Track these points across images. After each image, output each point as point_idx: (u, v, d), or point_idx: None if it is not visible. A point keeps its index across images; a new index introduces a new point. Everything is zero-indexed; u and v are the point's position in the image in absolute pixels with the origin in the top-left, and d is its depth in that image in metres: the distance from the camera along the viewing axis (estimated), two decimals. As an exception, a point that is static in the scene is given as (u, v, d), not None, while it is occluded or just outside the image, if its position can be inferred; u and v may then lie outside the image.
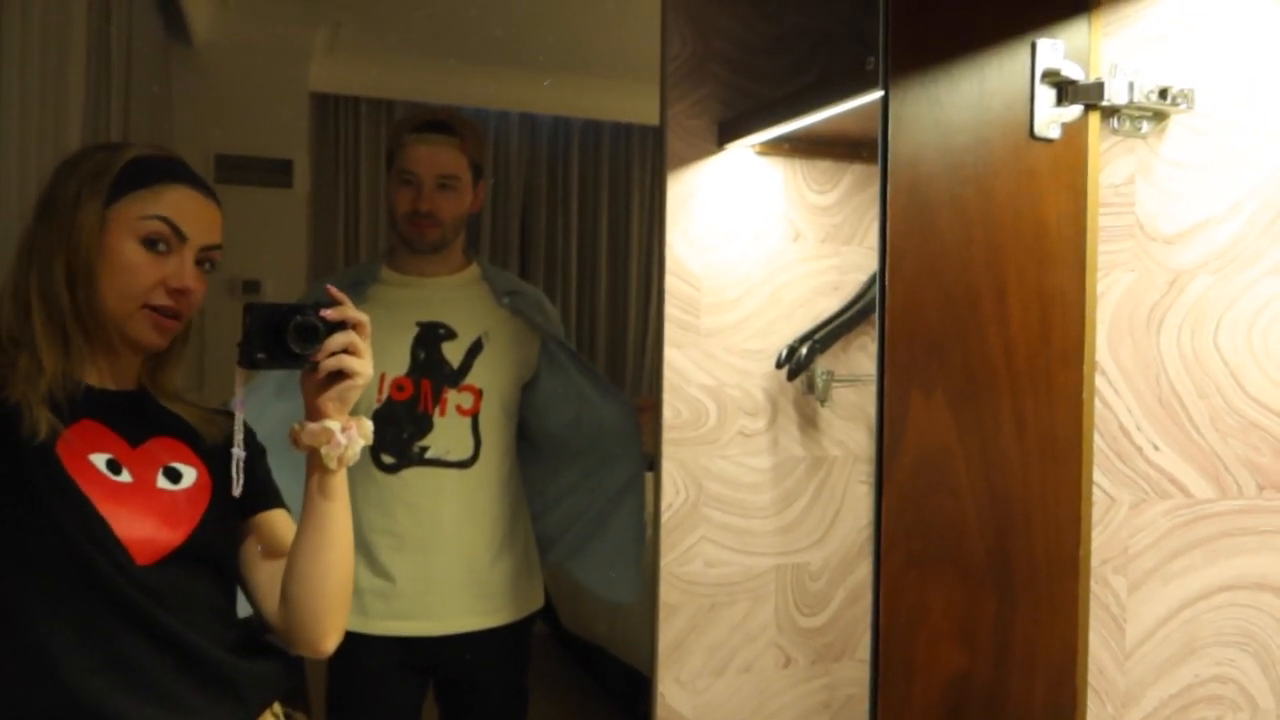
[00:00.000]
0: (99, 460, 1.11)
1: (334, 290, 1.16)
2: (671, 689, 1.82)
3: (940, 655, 0.87)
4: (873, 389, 1.90)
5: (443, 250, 1.96)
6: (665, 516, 1.80)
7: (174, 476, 1.16)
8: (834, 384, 1.85)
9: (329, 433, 1.12)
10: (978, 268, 0.87)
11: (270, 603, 1.20)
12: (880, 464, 0.84)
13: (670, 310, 1.79)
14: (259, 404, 1.85)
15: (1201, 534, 0.91)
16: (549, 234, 5.70)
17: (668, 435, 1.80)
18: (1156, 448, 0.90)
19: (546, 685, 4.13)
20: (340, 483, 1.17)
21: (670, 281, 1.79)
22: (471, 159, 1.95)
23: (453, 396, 1.94)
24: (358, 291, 1.94)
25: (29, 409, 1.05)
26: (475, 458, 1.94)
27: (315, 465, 1.15)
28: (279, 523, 1.24)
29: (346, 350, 1.12)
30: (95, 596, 1.05)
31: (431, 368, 1.93)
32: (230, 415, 1.24)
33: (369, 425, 1.18)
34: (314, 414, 1.14)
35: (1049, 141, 0.87)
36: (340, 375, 1.12)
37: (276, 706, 1.24)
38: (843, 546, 1.93)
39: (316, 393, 1.13)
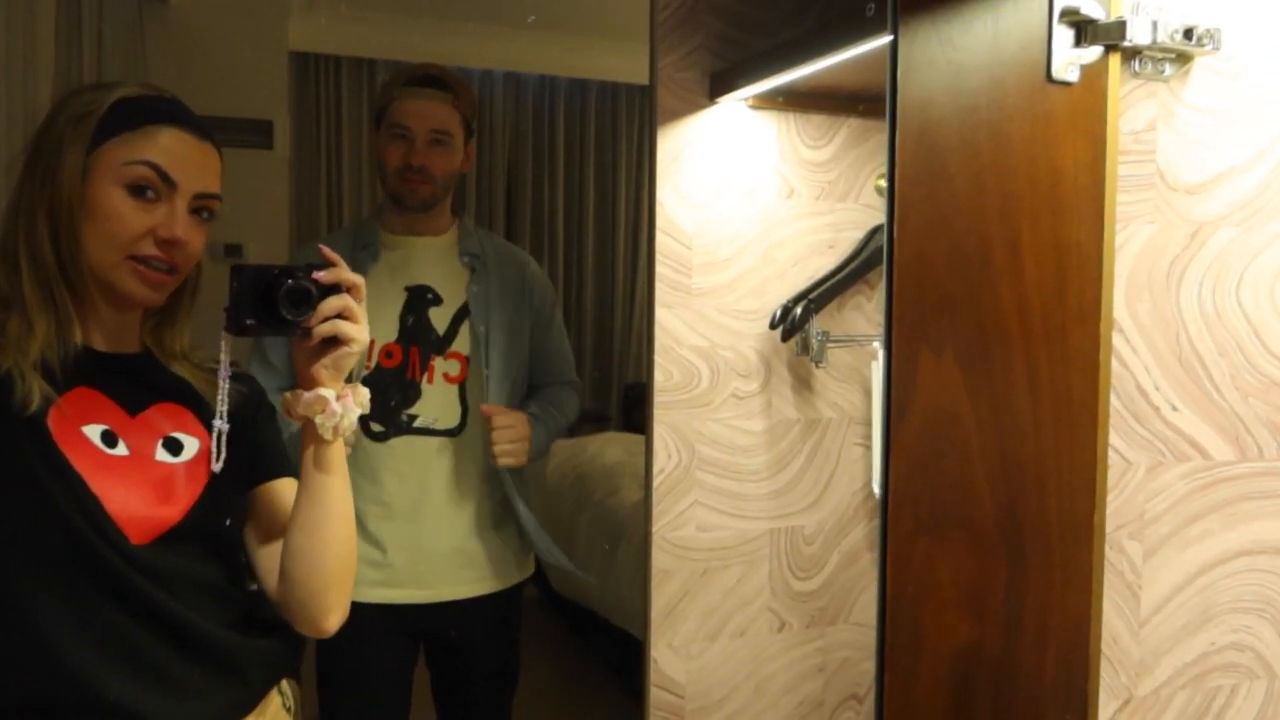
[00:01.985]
0: (93, 432, 1.04)
1: (327, 251, 1.08)
2: (665, 654, 1.79)
3: (949, 624, 0.83)
4: (868, 350, 1.87)
5: (433, 208, 1.91)
6: (657, 481, 1.76)
7: (174, 448, 1.10)
8: (829, 345, 1.80)
9: (324, 402, 1.05)
10: (990, 219, 0.82)
11: (272, 578, 1.15)
12: (887, 427, 0.80)
13: (661, 269, 1.74)
14: (282, 357, 1.81)
15: (1220, 497, 0.87)
16: (535, 195, 5.62)
17: (659, 398, 1.76)
18: (1175, 408, 0.87)
19: (539, 649, 4.14)
20: (337, 454, 1.10)
21: (661, 240, 1.74)
22: (464, 115, 1.90)
23: (439, 364, 1.90)
24: (368, 254, 1.89)
25: (20, 377, 0.99)
26: (463, 426, 1.90)
27: (310, 436, 1.08)
28: (285, 493, 1.17)
29: (341, 315, 1.04)
30: (89, 576, 1.00)
31: (419, 334, 1.89)
32: (244, 378, 1.18)
33: (365, 393, 1.11)
34: (307, 382, 1.07)
35: (1066, 85, 0.82)
36: (335, 342, 1.05)
37: (284, 684, 1.20)
38: (837, 510, 1.90)
39: (309, 360, 1.06)
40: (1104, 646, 0.86)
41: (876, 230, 1.85)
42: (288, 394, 1.09)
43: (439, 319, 1.91)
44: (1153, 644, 0.87)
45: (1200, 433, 0.87)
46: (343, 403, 1.07)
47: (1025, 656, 0.85)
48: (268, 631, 1.16)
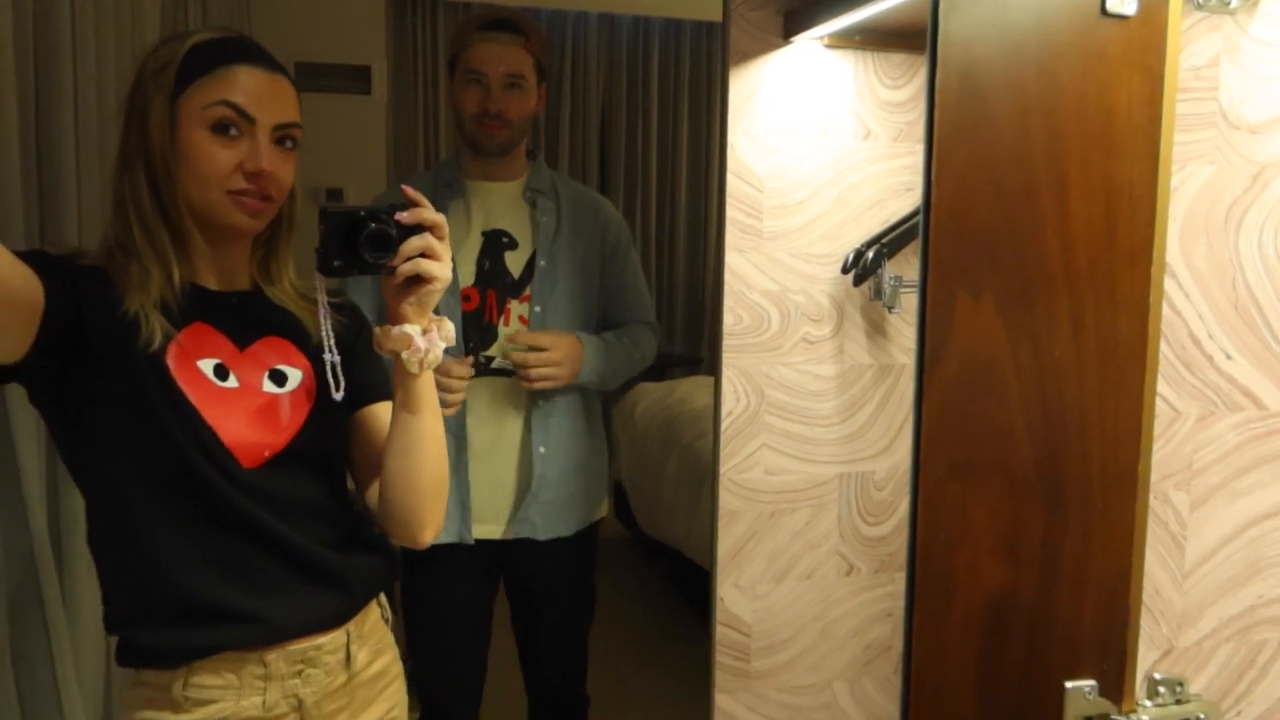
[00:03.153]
0: (207, 366, 1.13)
1: (410, 191, 1.13)
2: (731, 594, 1.82)
3: (982, 570, 0.83)
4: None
5: (509, 152, 1.94)
6: (725, 424, 1.78)
7: (279, 379, 1.18)
8: (902, 290, 1.78)
9: (408, 338, 1.11)
10: (1036, 160, 0.80)
11: (374, 497, 1.23)
12: (921, 370, 0.80)
13: (732, 213, 1.74)
14: (364, 297, 1.87)
15: (1274, 448, 0.85)
16: (629, 138, 5.60)
17: (728, 342, 1.77)
18: (1229, 356, 0.84)
19: (624, 587, 4.23)
20: (425, 385, 1.17)
21: (732, 183, 1.73)
22: (536, 58, 1.91)
23: (515, 307, 1.94)
24: (452, 192, 1.94)
25: (144, 318, 1.07)
26: (538, 367, 1.94)
27: (399, 370, 1.15)
28: (384, 417, 1.24)
29: (423, 254, 1.09)
30: (204, 501, 1.09)
31: (495, 278, 1.93)
32: (344, 308, 1.26)
33: (450, 327, 1.17)
34: (394, 318, 1.13)
35: (1123, 19, 0.79)
36: (418, 280, 1.10)
37: (382, 597, 1.30)
38: (909, 455, 1.88)
39: (396, 297, 1.11)
40: (1145, 597, 0.85)
41: (956, 172, 1.80)
42: (378, 329, 1.15)
43: (514, 263, 1.94)
44: (1197, 596, 0.85)
45: (1255, 382, 0.84)
46: (428, 338, 1.12)
47: (1062, 604, 0.85)
48: (369, 548, 1.25)
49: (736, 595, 1.83)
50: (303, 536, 1.15)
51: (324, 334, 1.17)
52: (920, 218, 0.78)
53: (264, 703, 1.13)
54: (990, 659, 0.85)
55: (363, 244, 1.07)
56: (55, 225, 1.74)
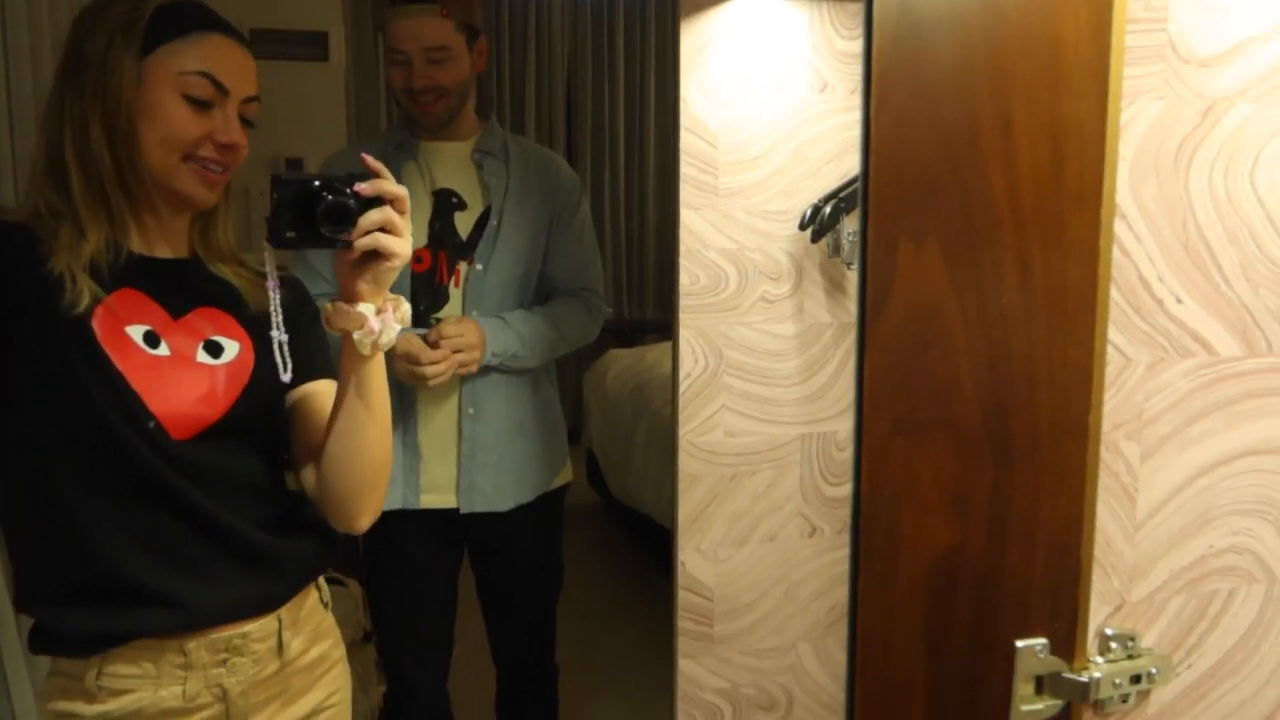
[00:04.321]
0: (135, 332, 1.07)
1: (370, 160, 1.05)
2: (693, 558, 1.80)
3: (929, 528, 0.81)
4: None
5: (453, 120, 1.88)
6: (684, 386, 1.75)
7: (215, 350, 1.12)
8: (861, 245, 1.74)
9: (361, 318, 1.04)
10: (979, 97, 0.76)
11: (310, 477, 1.17)
12: (862, 322, 0.76)
13: (686, 170, 1.69)
14: (327, 263, 1.81)
15: (1225, 395, 0.82)
16: (595, 98, 5.52)
17: (685, 302, 1.73)
18: (1179, 300, 0.81)
19: (598, 553, 4.22)
20: (375, 368, 1.10)
21: (685, 139, 1.69)
22: (458, 22, 1.84)
23: (464, 269, 1.90)
24: (404, 154, 1.88)
25: (70, 280, 1.02)
26: (488, 330, 1.89)
27: (348, 350, 1.08)
28: (326, 395, 1.19)
29: (382, 229, 1.02)
30: (126, 471, 1.04)
31: (446, 239, 1.88)
32: (284, 282, 1.19)
33: (406, 308, 1.10)
34: (348, 295, 1.05)
35: (1069, -53, 0.75)
36: (375, 256, 1.03)
37: (321, 580, 1.24)
38: (872, 415, 1.86)
39: (350, 273, 1.04)
40: (1096, 551, 0.82)
41: (915, 125, 1.76)
42: (328, 305, 1.07)
43: (464, 224, 1.89)
44: (1148, 548, 0.83)
45: (1206, 326, 0.81)
46: (382, 318, 1.05)
47: (1012, 561, 0.82)
48: (305, 530, 1.19)
49: (698, 559, 1.81)
50: (233, 515, 1.10)
51: (272, 310, 1.11)
52: (859, 160, 0.74)
53: (184, 693, 1.07)
54: (939, 620, 0.83)
55: (319, 217, 1.00)
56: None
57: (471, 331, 1.82)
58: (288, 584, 1.16)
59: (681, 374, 1.74)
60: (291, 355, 1.14)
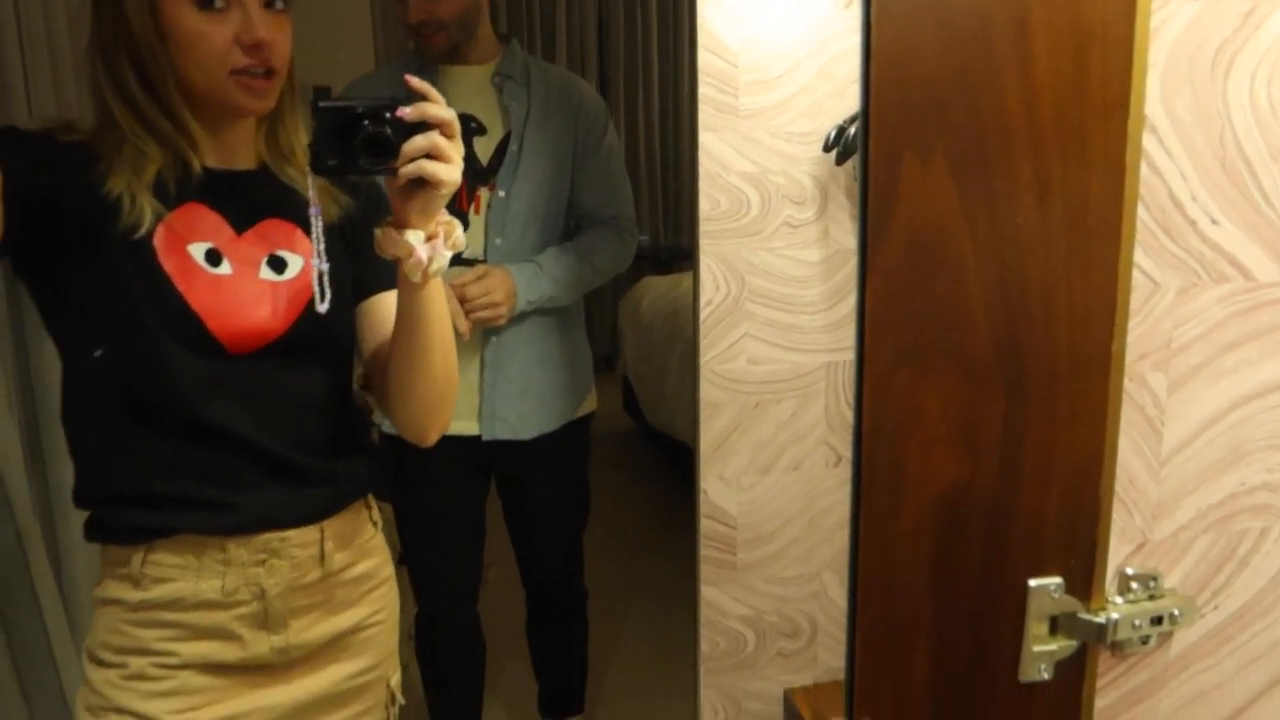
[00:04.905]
0: (197, 251, 1.05)
1: (415, 81, 0.98)
2: (715, 486, 1.77)
3: (935, 464, 0.76)
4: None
5: (463, 46, 1.82)
6: (705, 313, 1.70)
7: (278, 265, 1.10)
8: (889, 166, 1.66)
9: (409, 246, 1.01)
10: (994, -1, 0.70)
11: (379, 389, 1.18)
12: (864, 245, 0.71)
13: (705, 90, 1.62)
14: None
15: (1262, 323, 0.76)
16: (628, 34, 5.36)
17: (705, 228, 1.67)
18: (1214, 221, 0.75)
19: (632, 478, 4.24)
20: (430, 295, 1.07)
21: (704, 58, 1.61)
22: None
23: (484, 195, 1.85)
24: (423, 78, 1.83)
25: (129, 199, 1.00)
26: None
27: (402, 276, 1.05)
28: (393, 306, 1.15)
29: (429, 155, 0.97)
30: (180, 391, 1.04)
31: (465, 164, 1.84)
32: (358, 188, 1.18)
33: (459, 232, 1.06)
34: (398, 220, 1.02)
35: None
36: (422, 183, 0.98)
37: (371, 499, 1.25)
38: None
39: (399, 198, 1.00)
40: (1118, 488, 0.78)
41: (948, 36, 1.67)
42: (378, 231, 1.04)
43: (483, 149, 1.85)
44: (1174, 484, 0.78)
45: (1243, 250, 0.75)
46: (431, 245, 1.02)
47: (1025, 498, 0.78)
48: (353, 450, 1.19)
49: (721, 488, 1.79)
50: (283, 436, 1.10)
51: (314, 238, 1.09)
52: (860, 66, 0.68)
53: (223, 587, 1.09)
54: (946, 559, 0.79)
55: (357, 148, 0.96)
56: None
57: (498, 287, 1.80)
58: (332, 500, 1.16)
59: (703, 301, 1.70)
60: (359, 264, 1.14)
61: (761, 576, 1.83)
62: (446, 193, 0.99)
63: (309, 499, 1.13)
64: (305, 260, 1.12)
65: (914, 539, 0.78)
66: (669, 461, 4.22)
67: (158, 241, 1.03)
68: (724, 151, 1.66)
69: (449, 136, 0.98)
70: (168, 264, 1.03)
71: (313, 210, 1.09)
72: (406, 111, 0.96)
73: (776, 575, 1.84)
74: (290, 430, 1.11)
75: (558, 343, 1.99)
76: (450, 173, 0.97)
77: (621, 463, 4.43)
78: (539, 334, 1.95)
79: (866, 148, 0.71)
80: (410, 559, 2.07)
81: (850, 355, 1.80)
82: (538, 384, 1.95)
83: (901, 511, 0.78)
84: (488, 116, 1.86)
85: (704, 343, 1.72)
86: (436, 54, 1.81)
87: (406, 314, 1.08)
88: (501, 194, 1.84)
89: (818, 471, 1.83)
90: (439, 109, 0.97)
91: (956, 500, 0.78)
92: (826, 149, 1.66)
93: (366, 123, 0.95)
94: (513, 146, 1.85)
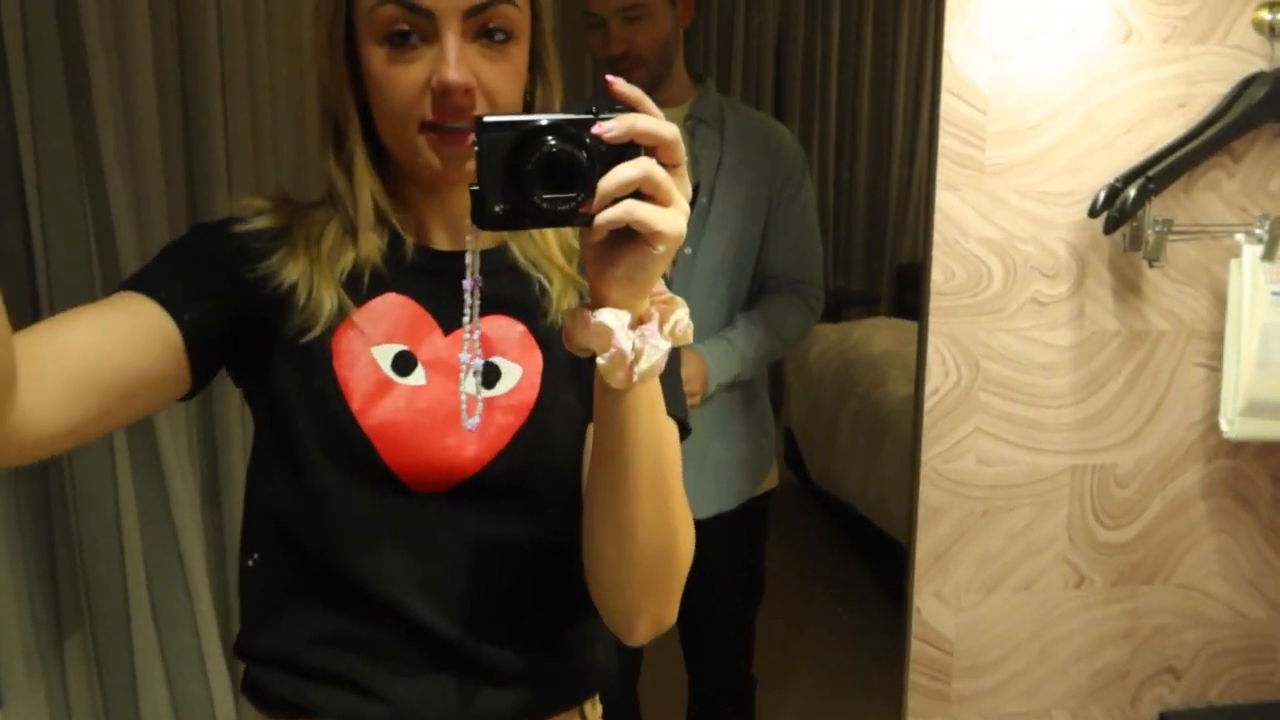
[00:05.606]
0: (384, 355, 0.81)
1: (620, 85, 0.65)
2: (930, 604, 1.51)
3: None
4: (1223, 244, 1.42)
5: (659, 85, 1.66)
6: (930, 403, 1.45)
7: (490, 377, 0.82)
8: (1171, 237, 1.38)
9: (606, 332, 0.65)
10: None
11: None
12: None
13: (946, 141, 1.38)
14: None
15: None
16: (807, 53, 5.14)
17: (937, 303, 1.43)
18: None
19: (796, 539, 3.97)
20: (638, 406, 0.70)
21: (948, 103, 1.37)
22: None
23: (672, 250, 1.67)
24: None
25: (307, 291, 0.79)
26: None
27: (596, 377, 0.70)
28: None
29: (640, 193, 0.63)
30: (336, 538, 0.80)
31: None
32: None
33: (682, 315, 0.69)
34: (596, 295, 0.67)
35: None
36: (630, 236, 0.64)
37: (594, 701, 0.92)
38: (1164, 446, 1.50)
39: (596, 260, 0.66)
40: None
41: (1251, 81, 1.38)
42: (565, 313, 0.77)
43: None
44: None
45: None
46: (642, 333, 0.66)
47: None
48: (579, 637, 0.87)
49: (937, 606, 1.52)
50: (464, 610, 0.81)
51: (466, 322, 0.79)
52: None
53: None
54: None
55: (530, 175, 0.64)
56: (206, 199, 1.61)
57: (693, 377, 1.62)
58: (525, 706, 0.85)
59: (928, 388, 1.45)
60: (577, 374, 0.84)
61: (979, 711, 1.56)
62: (665, 252, 0.64)
63: (490, 701, 0.83)
64: (524, 369, 0.83)
65: None
66: (834, 523, 3.96)
67: (337, 344, 0.80)
68: (964, 214, 1.40)
69: (670, 165, 0.64)
70: (343, 372, 0.80)
71: (467, 284, 0.79)
72: (609, 126, 0.63)
73: (998, 710, 1.56)
74: (477, 603, 0.82)
75: (740, 412, 1.80)
76: (672, 221, 0.63)
77: (782, 521, 4.18)
78: (720, 403, 1.76)
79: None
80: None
81: (1101, 459, 1.50)
82: (716, 458, 1.77)
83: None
84: (681, 163, 1.68)
85: (927, 437, 1.47)
86: None
87: (604, 436, 0.73)
88: (687, 251, 1.66)
89: (1054, 593, 1.54)
90: (657, 124, 0.63)
91: None
92: (1093, 213, 1.39)
93: (549, 140, 0.64)
94: (702, 198, 1.67)
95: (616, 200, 0.63)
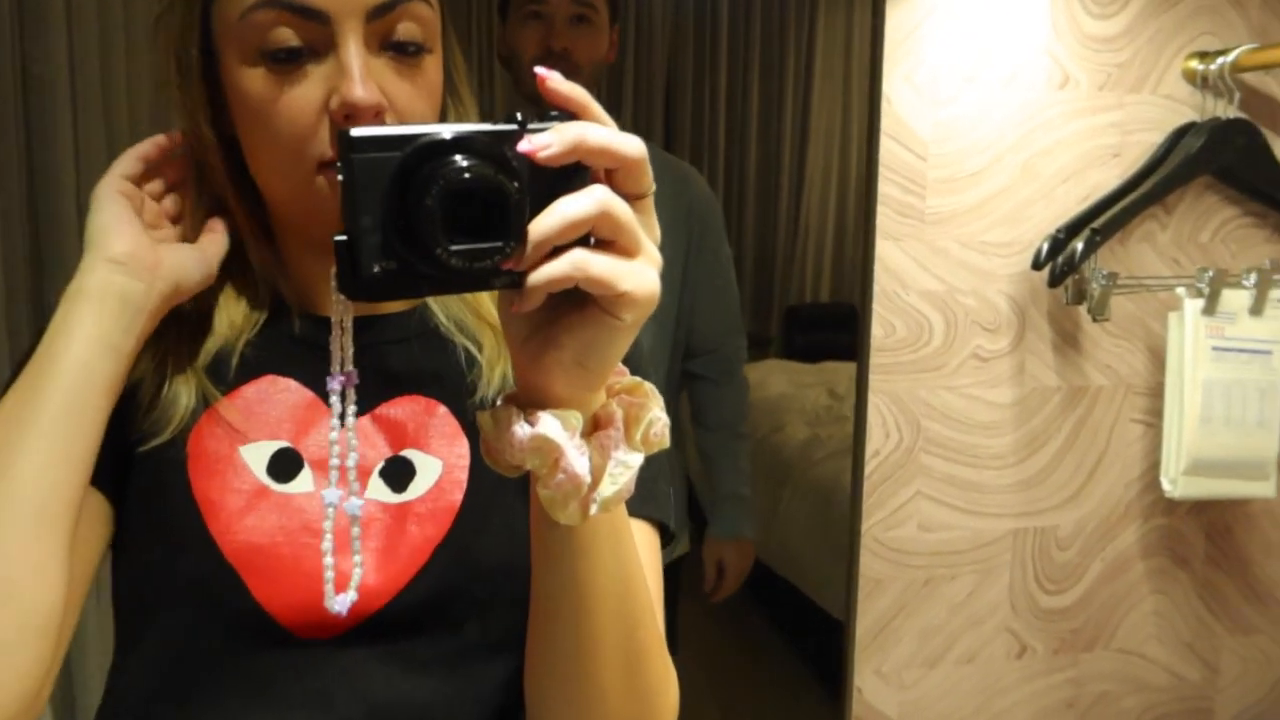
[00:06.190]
0: (256, 455, 0.61)
1: (556, 82, 0.45)
2: (872, 683, 1.40)
3: None
4: (1159, 298, 1.38)
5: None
6: (870, 466, 1.35)
7: (402, 476, 0.63)
8: (1116, 290, 1.32)
9: (548, 445, 0.46)
10: None
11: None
12: None
13: (886, 189, 1.30)
14: None
15: None
16: (695, 94, 5.12)
17: (876, 360, 1.33)
18: None
19: (696, 597, 3.84)
20: (599, 540, 0.53)
21: (887, 148, 1.29)
22: None
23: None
24: None
25: (155, 386, 0.61)
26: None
27: (535, 506, 0.52)
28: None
29: (594, 237, 0.45)
30: (203, 705, 0.60)
31: None
32: None
33: (661, 416, 0.50)
34: (530, 389, 0.48)
35: None
36: (579, 299, 0.45)
37: None
38: (1104, 505, 1.44)
39: (529, 341, 0.47)
40: None
41: (1185, 131, 1.34)
42: (484, 414, 0.49)
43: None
44: None
45: None
46: (601, 444, 0.48)
47: None
48: None
49: (878, 685, 1.41)
50: None
51: (335, 413, 0.61)
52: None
53: None
54: None
55: (429, 213, 0.41)
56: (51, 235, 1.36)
57: (747, 557, 1.64)
58: None
59: (869, 450, 1.35)
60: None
61: (923, 794, 1.45)
62: (632, 323, 0.46)
63: None
64: (444, 464, 0.63)
65: None
66: (760, 592, 3.84)
67: (194, 446, 0.61)
68: (905, 265, 1.32)
69: (635, 197, 0.46)
70: (199, 482, 0.60)
71: (333, 384, 0.61)
72: (544, 141, 0.43)
73: (942, 793, 1.46)
74: None
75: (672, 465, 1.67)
76: (639, 277, 0.45)
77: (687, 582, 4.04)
78: None
79: None
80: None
81: (1042, 521, 1.43)
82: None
83: None
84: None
85: (867, 503, 1.36)
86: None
87: (548, 584, 0.55)
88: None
89: (996, 664, 1.45)
90: (613, 136, 0.44)
91: None
92: (1037, 265, 1.32)
93: (458, 161, 0.42)
94: None
95: (558, 250, 0.43)
